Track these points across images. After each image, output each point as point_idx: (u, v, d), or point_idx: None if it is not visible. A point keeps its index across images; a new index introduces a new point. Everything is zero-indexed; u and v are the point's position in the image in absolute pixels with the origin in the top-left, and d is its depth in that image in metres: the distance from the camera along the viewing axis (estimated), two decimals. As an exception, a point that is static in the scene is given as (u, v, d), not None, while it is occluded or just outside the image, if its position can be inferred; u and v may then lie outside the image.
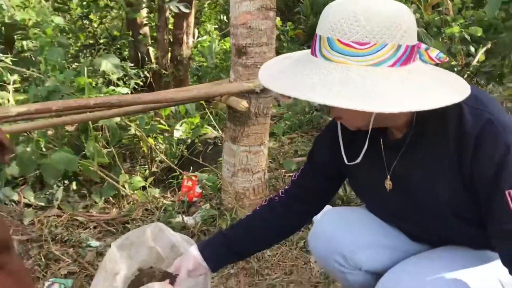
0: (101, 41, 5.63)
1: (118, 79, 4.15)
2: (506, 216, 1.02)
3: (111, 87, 3.45)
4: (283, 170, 3.21)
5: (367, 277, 1.36)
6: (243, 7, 2.34)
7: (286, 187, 1.44)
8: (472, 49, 3.81)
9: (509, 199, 1.01)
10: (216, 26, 8.46)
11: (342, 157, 1.21)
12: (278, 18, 7.54)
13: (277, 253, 2.25)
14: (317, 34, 1.03)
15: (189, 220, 2.59)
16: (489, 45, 3.71)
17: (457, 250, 1.23)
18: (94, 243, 2.50)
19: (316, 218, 1.52)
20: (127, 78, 4.61)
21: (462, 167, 1.07)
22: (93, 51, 5.23)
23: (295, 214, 1.42)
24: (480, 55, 3.70)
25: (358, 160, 1.18)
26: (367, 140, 1.15)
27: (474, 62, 3.80)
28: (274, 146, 3.81)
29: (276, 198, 1.44)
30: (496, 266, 1.15)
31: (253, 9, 2.33)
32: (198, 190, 2.86)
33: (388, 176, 1.20)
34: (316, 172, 1.39)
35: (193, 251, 1.39)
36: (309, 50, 1.07)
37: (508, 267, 1.06)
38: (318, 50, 1.02)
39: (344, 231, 1.37)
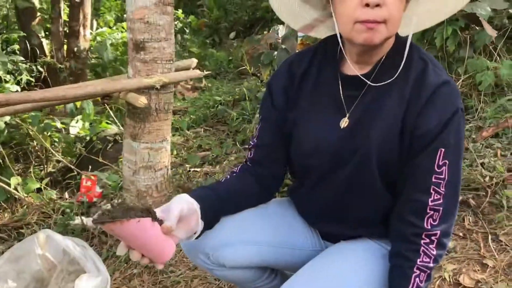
0: (-14, 32, 5.20)
1: (8, 73, 3.86)
2: (429, 168, 1.10)
3: (-2, 84, 3.20)
4: (187, 165, 3.21)
5: (234, 271, 1.36)
6: (140, 1, 2.28)
7: (248, 155, 1.37)
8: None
9: (438, 155, 1.10)
10: (118, 16, 8.17)
11: (301, 99, 1.25)
12: (181, 11, 7.47)
13: (181, 250, 2.25)
14: None
15: (89, 221, 2.49)
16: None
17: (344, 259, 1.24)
18: (-17, 252, 2.32)
19: None
20: (18, 73, 4.30)
21: (408, 115, 1.12)
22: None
23: (262, 179, 1.34)
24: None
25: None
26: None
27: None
28: (179, 141, 3.78)
29: (246, 166, 1.36)
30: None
31: (150, 4, 2.29)
32: (98, 190, 2.77)
33: (348, 115, 1.20)
34: (273, 121, 1.31)
35: (184, 196, 1.16)
36: None
37: (405, 221, 1.13)
38: None
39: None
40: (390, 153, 1.15)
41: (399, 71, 1.14)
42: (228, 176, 1.35)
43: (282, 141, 1.32)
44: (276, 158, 1.34)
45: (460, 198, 2.18)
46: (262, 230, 1.34)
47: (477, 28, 2.96)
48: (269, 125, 1.32)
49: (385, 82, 1.14)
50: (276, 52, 3.66)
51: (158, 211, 1.06)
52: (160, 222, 1.03)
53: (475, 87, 2.93)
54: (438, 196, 1.11)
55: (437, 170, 1.10)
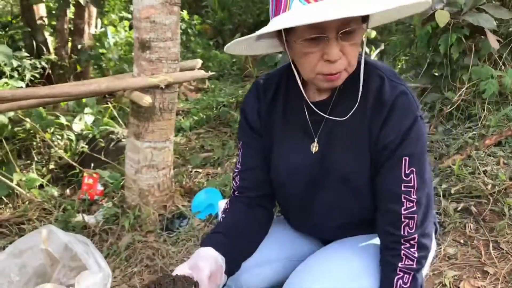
0: (-9, 28, 5.21)
1: (12, 70, 3.87)
2: (396, 179, 1.13)
3: (3, 80, 3.20)
4: (189, 166, 3.21)
5: None
6: (147, 1, 2.30)
7: (233, 185, 1.35)
8: (368, 49, 4.08)
9: (403, 164, 1.12)
10: (122, 15, 8.18)
11: (272, 124, 1.26)
12: (186, 12, 7.48)
13: (181, 250, 2.25)
14: None
15: (90, 219, 2.50)
16: (382, 47, 3.98)
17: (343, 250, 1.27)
18: (-16, 246, 2.33)
19: None
20: (21, 69, 4.31)
21: (372, 133, 1.15)
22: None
23: (255, 202, 1.33)
24: (374, 56, 3.96)
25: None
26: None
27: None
28: (181, 141, 3.79)
29: (235, 196, 1.35)
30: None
31: (157, 3, 2.30)
32: (99, 187, 2.77)
33: (316, 139, 1.22)
34: (254, 144, 1.31)
35: (209, 251, 1.16)
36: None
37: (384, 231, 1.17)
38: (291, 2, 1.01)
39: None
40: (363, 170, 1.18)
41: (359, 94, 1.14)
42: (224, 215, 1.33)
43: (265, 163, 1.32)
44: (263, 180, 1.33)
45: (462, 205, 2.18)
46: (271, 249, 1.36)
47: (482, 36, 2.97)
48: (251, 149, 1.33)
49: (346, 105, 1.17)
50: (280, 55, 3.66)
51: (186, 268, 1.10)
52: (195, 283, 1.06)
53: (479, 95, 2.94)
54: (411, 204, 1.13)
55: (405, 178, 1.13)
